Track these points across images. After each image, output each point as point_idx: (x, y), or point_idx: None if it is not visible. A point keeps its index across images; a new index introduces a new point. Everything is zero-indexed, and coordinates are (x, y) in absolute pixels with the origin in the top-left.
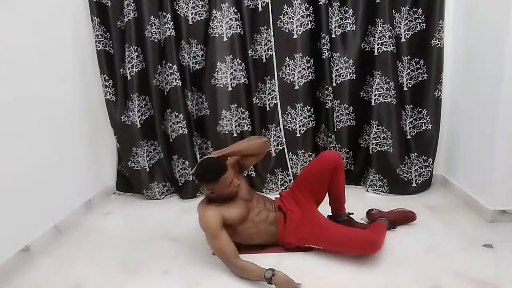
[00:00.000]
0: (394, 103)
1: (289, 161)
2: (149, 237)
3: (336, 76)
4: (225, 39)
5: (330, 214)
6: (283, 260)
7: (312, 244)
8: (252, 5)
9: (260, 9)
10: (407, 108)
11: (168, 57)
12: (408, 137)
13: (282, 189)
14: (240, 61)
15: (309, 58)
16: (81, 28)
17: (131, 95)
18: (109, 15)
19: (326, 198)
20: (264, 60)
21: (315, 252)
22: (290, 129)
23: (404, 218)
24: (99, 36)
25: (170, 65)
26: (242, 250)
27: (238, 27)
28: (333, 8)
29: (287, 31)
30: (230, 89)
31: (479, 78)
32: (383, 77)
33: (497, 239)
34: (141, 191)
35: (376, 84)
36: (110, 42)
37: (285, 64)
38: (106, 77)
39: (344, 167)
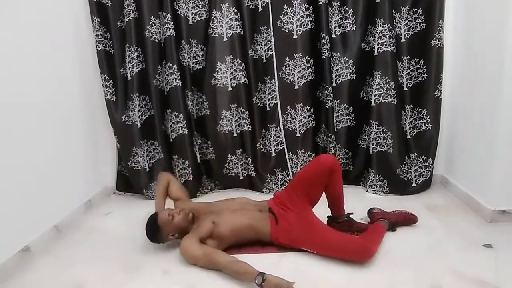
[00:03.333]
0: (394, 103)
1: (289, 161)
2: None
3: (336, 76)
4: (225, 39)
5: (330, 215)
6: (282, 260)
7: (305, 247)
8: (252, 5)
9: (260, 9)
10: (407, 108)
11: (168, 57)
12: (408, 137)
13: (282, 189)
14: (240, 61)
15: (309, 58)
16: (81, 28)
17: (131, 95)
18: (109, 15)
19: (325, 199)
20: (264, 60)
21: None
22: (290, 129)
23: (405, 220)
24: (99, 36)
25: (170, 65)
26: (241, 251)
27: (238, 27)
28: (333, 8)
29: (287, 31)
30: (230, 89)
31: (479, 78)
32: (383, 77)
33: (497, 239)
34: (141, 191)
35: (376, 84)
36: (110, 42)
37: (285, 64)
38: (106, 77)
39: (344, 167)
